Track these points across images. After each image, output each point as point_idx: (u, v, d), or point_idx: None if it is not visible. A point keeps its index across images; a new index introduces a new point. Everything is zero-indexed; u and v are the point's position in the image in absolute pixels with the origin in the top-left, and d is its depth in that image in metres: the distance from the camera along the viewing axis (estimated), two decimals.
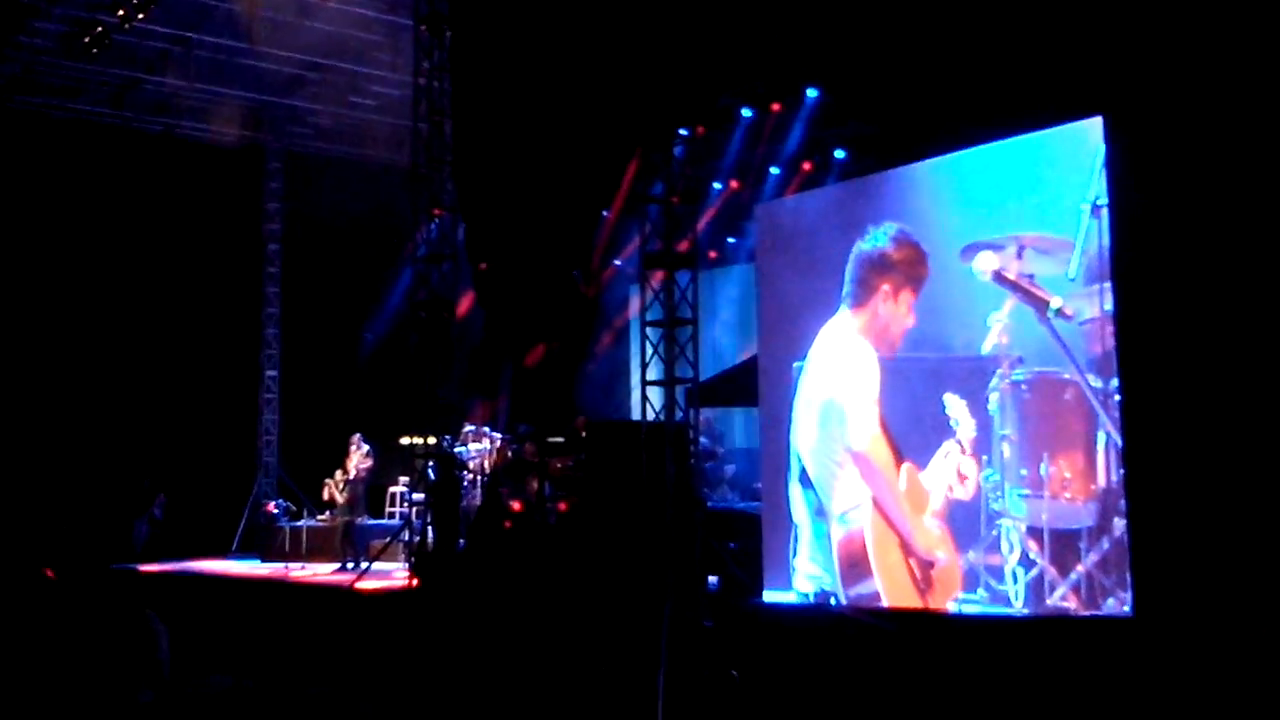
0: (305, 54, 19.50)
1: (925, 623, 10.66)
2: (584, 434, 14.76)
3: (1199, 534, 8.82)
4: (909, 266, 11.46)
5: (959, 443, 10.89)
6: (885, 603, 11.24)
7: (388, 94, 20.21)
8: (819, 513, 12.02)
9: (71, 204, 19.92)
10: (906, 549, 11.23)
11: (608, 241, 19.18)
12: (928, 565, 11.06)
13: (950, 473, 10.93)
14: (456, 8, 15.40)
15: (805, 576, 12.12)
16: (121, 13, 18.23)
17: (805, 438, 12.28)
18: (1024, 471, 10.46)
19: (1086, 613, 9.75)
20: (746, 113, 16.16)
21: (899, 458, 11.40)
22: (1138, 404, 9.41)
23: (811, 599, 11.89)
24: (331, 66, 19.97)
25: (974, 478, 10.77)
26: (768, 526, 12.77)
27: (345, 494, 17.92)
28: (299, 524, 18.53)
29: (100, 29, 18.72)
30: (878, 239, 11.68)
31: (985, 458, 10.73)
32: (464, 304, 18.76)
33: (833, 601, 11.61)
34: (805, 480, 12.19)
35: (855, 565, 11.55)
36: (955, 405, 10.93)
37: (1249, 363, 8.78)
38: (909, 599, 11.12)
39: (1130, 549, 9.39)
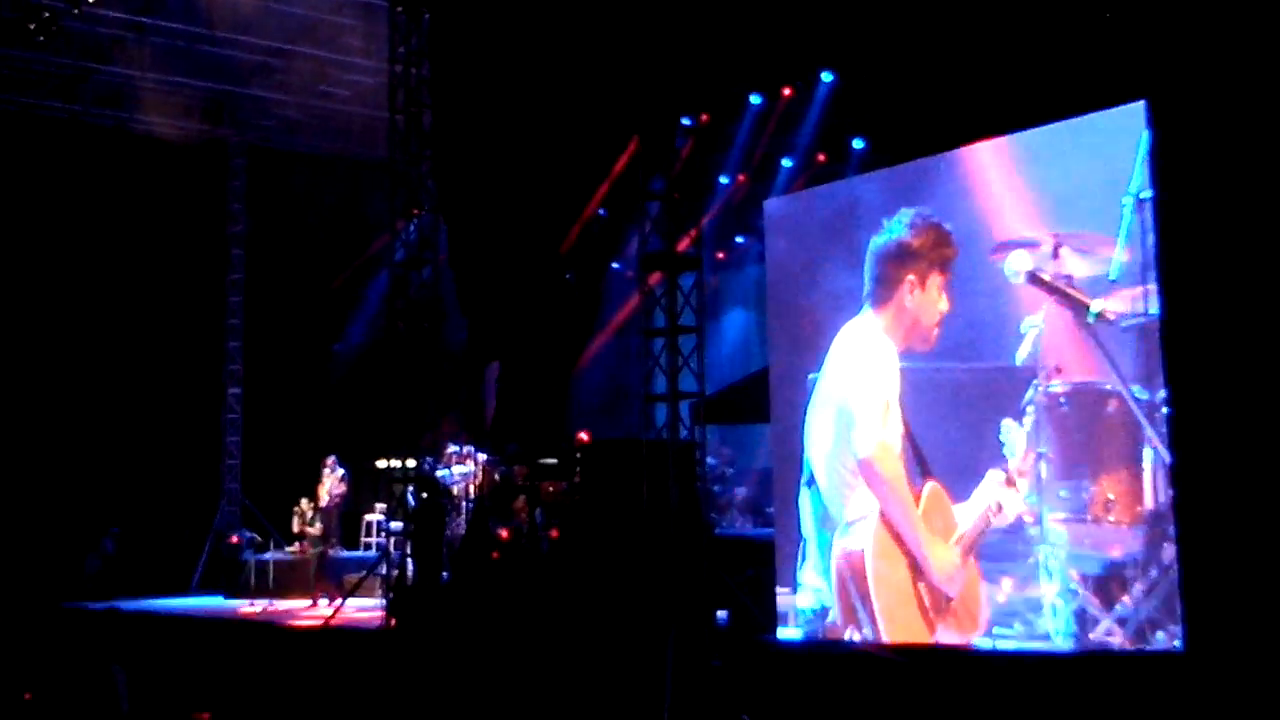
0: (271, 40, 19.52)
1: (953, 661, 10.63)
2: (579, 454, 14.75)
3: (1257, 561, 8.80)
4: (932, 250, 11.38)
5: (1005, 471, 10.85)
6: (882, 627, 11.17)
7: (361, 83, 20.21)
8: (824, 522, 11.94)
9: (16, 204, 19.93)
10: (916, 571, 11.17)
11: (604, 241, 19.21)
12: (944, 595, 11.03)
13: (989, 503, 10.91)
14: None
15: (809, 589, 12.08)
16: None
17: (819, 445, 12.19)
18: (1063, 493, 10.44)
19: (1132, 648, 9.71)
20: (755, 99, 16.17)
21: (925, 474, 11.34)
22: (1188, 417, 9.37)
23: (810, 614, 11.89)
24: (299, 53, 19.98)
25: (1013, 510, 10.76)
26: (780, 553, 12.76)
27: (317, 523, 17.96)
28: (266, 557, 18.49)
29: (48, 15, 18.74)
30: (893, 229, 11.60)
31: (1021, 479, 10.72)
32: None
33: (849, 635, 11.59)
34: (814, 488, 12.11)
35: (853, 579, 11.48)
36: (1012, 431, 10.87)
37: None
38: (912, 626, 11.07)
39: (1181, 578, 9.36)
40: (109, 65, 20.25)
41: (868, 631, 11.32)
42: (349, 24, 19.13)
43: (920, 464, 11.43)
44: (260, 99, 21.74)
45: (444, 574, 14.65)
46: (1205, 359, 9.34)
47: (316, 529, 18.05)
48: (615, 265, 19.66)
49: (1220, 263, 9.28)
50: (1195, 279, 9.43)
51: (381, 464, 16.56)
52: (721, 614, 12.68)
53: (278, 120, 22.38)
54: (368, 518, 18.85)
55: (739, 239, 18.71)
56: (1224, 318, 9.24)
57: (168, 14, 19.09)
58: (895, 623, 11.20)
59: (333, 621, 14.84)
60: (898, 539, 11.28)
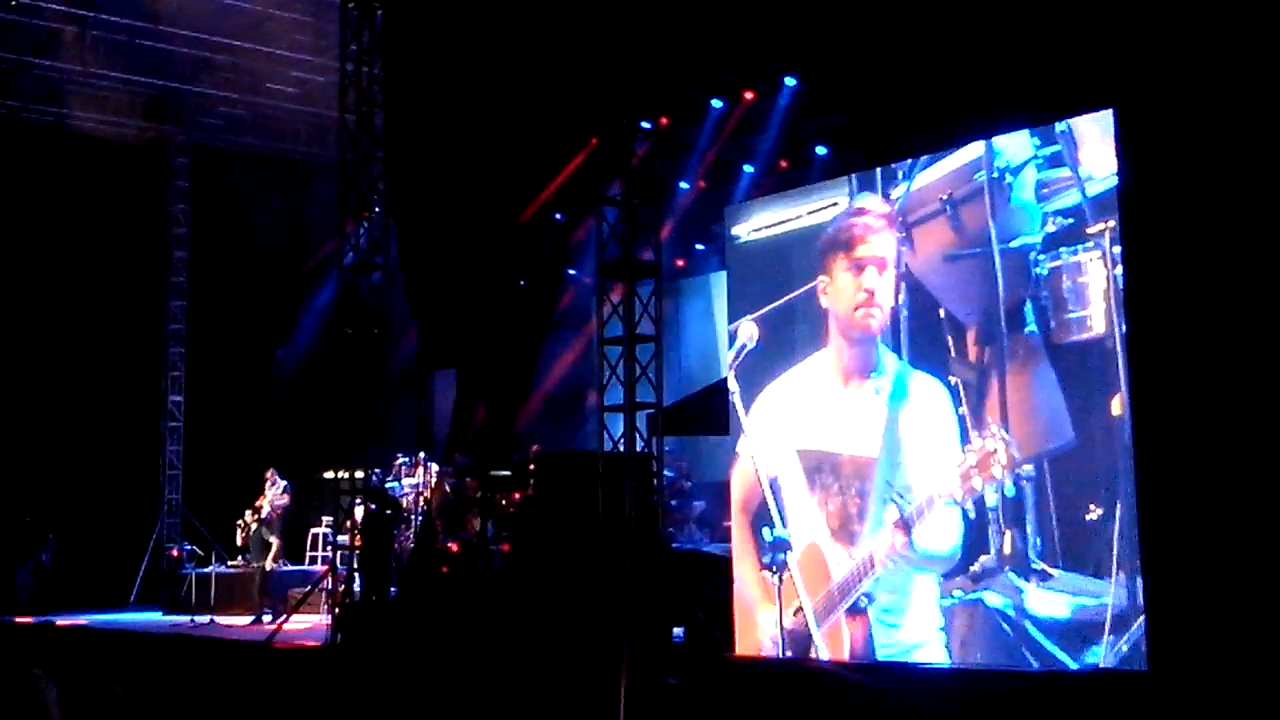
0: (216, 35, 19.51)
1: (917, 677, 10.70)
2: (533, 466, 14.78)
3: (1221, 577, 8.93)
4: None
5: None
6: None
7: (311, 81, 20.24)
8: None
9: None
10: None
11: (560, 247, 19.25)
12: None
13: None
14: None
15: None
16: None
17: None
18: None
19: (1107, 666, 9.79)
20: (716, 103, 16.23)
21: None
22: (1150, 429, 9.50)
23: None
24: (246, 49, 19.98)
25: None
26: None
27: (260, 536, 17.89)
28: (207, 571, 18.45)
29: None
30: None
31: None
32: None
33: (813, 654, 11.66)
34: None
35: None
36: None
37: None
38: None
39: (1146, 593, 9.47)
40: (46, 60, 20.16)
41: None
42: (298, 20, 19.16)
43: None
44: (205, 96, 21.71)
45: (392, 589, 14.64)
46: (1168, 373, 9.47)
47: (259, 542, 17.99)
48: (571, 271, 19.69)
49: (1185, 273, 9.43)
50: (1160, 292, 9.56)
51: (328, 475, 16.52)
52: (678, 631, 12.72)
53: (223, 119, 22.34)
54: (314, 531, 18.82)
55: (699, 245, 18.76)
56: (1188, 329, 9.38)
57: (109, 7, 19.05)
58: None
59: (277, 638, 14.81)
60: None
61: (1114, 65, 10.14)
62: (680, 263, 18.82)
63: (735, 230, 13.02)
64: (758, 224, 12.74)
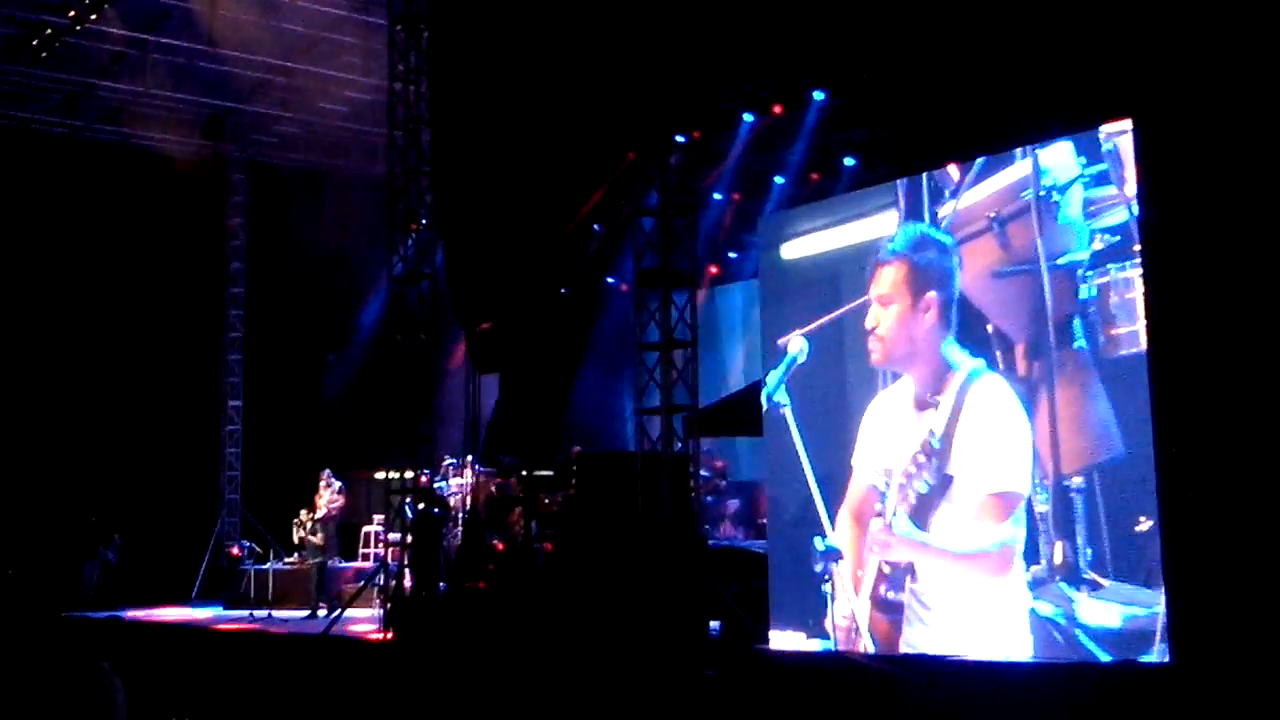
0: (271, 57, 19.57)
1: (945, 670, 10.65)
2: (574, 467, 14.78)
3: (1243, 572, 8.85)
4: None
5: None
6: None
7: (360, 99, 20.26)
8: None
9: (17, 219, 19.94)
10: None
11: (600, 256, 19.22)
12: None
13: None
14: (434, 6, 15.49)
15: None
16: (72, 13, 18.32)
17: None
18: None
19: (1120, 659, 9.74)
20: (748, 117, 16.17)
21: None
22: (1170, 417, 9.42)
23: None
24: (299, 70, 20.04)
25: None
26: (774, 565, 12.79)
27: (315, 534, 17.95)
28: (265, 567, 18.51)
29: (49, 31, 18.78)
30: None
31: None
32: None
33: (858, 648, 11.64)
34: None
35: None
36: None
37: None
38: None
39: (1168, 588, 9.40)
40: (110, 81, 20.28)
41: None
42: (349, 42, 19.20)
43: None
44: (260, 115, 21.80)
45: (441, 584, 14.67)
46: (1199, 410, 9.36)
47: (317, 539, 18.06)
48: (610, 280, 19.67)
49: (1213, 308, 9.33)
50: (1187, 327, 9.46)
51: (380, 476, 16.56)
52: (715, 625, 12.70)
53: (277, 136, 22.44)
54: (366, 529, 18.86)
55: (731, 255, 18.72)
56: (1220, 369, 9.27)
57: (169, 31, 19.13)
58: None
59: (331, 632, 14.85)
60: None
61: (1133, 76, 10.06)
62: (714, 270, 18.78)
63: (782, 247, 12.92)
64: (807, 240, 12.65)
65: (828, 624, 11.90)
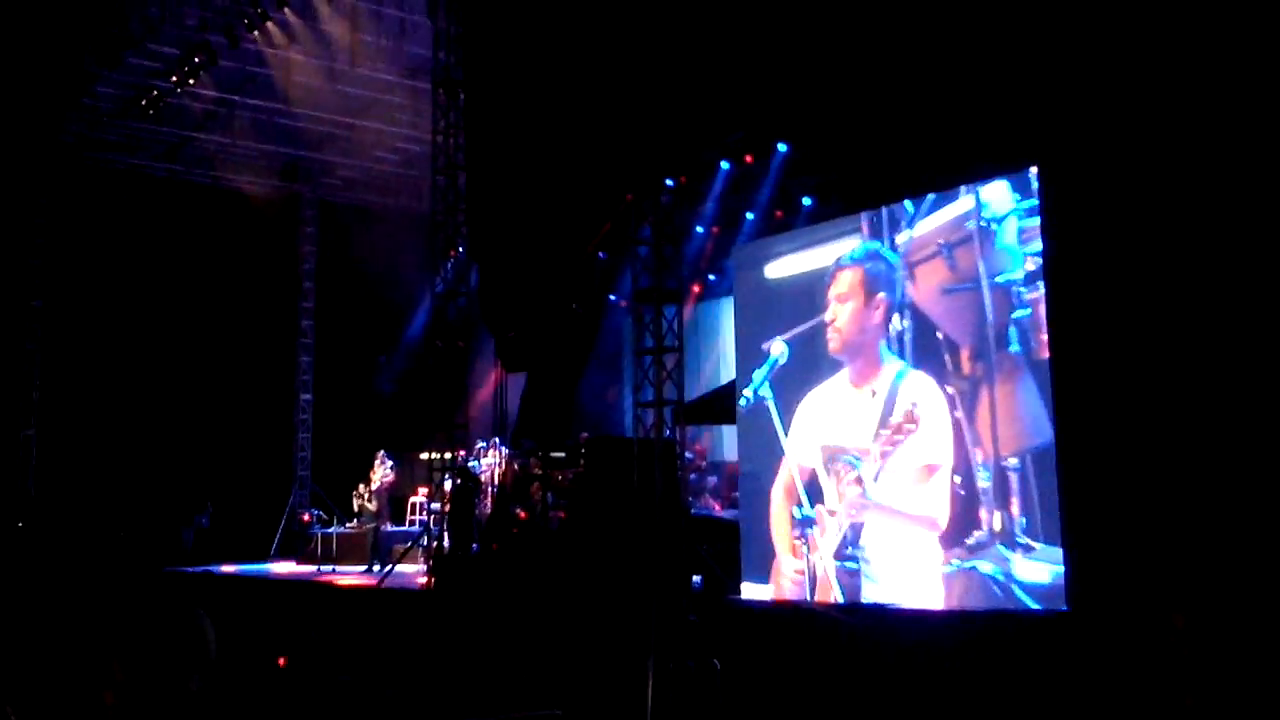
0: (336, 114, 19.61)
1: (887, 617, 10.67)
2: (583, 449, 14.78)
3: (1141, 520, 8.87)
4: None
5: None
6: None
7: (409, 149, 20.33)
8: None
9: (132, 247, 20.02)
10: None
11: (604, 279, 19.25)
12: None
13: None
14: (470, 74, 15.49)
15: None
16: (174, 78, 18.40)
17: None
18: None
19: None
20: (725, 165, 16.22)
21: None
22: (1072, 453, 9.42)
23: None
24: (359, 125, 20.08)
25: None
26: (745, 531, 12.80)
27: (371, 504, 17.96)
28: (330, 531, 18.52)
29: (156, 93, 18.86)
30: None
31: None
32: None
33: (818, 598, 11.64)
34: None
35: None
36: None
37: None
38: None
39: (1066, 543, 9.39)
40: (205, 134, 20.32)
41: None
42: (400, 101, 19.24)
43: None
44: (327, 162, 21.85)
45: (474, 545, 14.67)
46: (1092, 402, 9.36)
47: (372, 508, 18.06)
48: (612, 298, 19.70)
49: (1104, 319, 9.33)
50: (1083, 333, 9.46)
51: (424, 456, 16.57)
52: (696, 579, 12.71)
53: (341, 179, 22.50)
54: (412, 499, 18.87)
55: (711, 276, 18.76)
56: (1109, 369, 9.28)
57: (252, 92, 19.19)
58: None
59: (384, 583, 14.86)
60: None
61: (1037, 128, 10.08)
62: (697, 289, 18.80)
63: (767, 266, 12.85)
64: (787, 260, 12.59)
65: (784, 580, 11.93)
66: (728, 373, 15.87)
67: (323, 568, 17.47)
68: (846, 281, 11.58)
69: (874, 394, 11.12)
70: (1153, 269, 9.07)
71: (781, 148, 15.34)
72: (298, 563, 18.50)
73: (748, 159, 15.88)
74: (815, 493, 11.68)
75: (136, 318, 20.08)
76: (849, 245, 11.71)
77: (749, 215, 16.55)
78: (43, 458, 19.98)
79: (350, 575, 16.45)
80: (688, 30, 12.62)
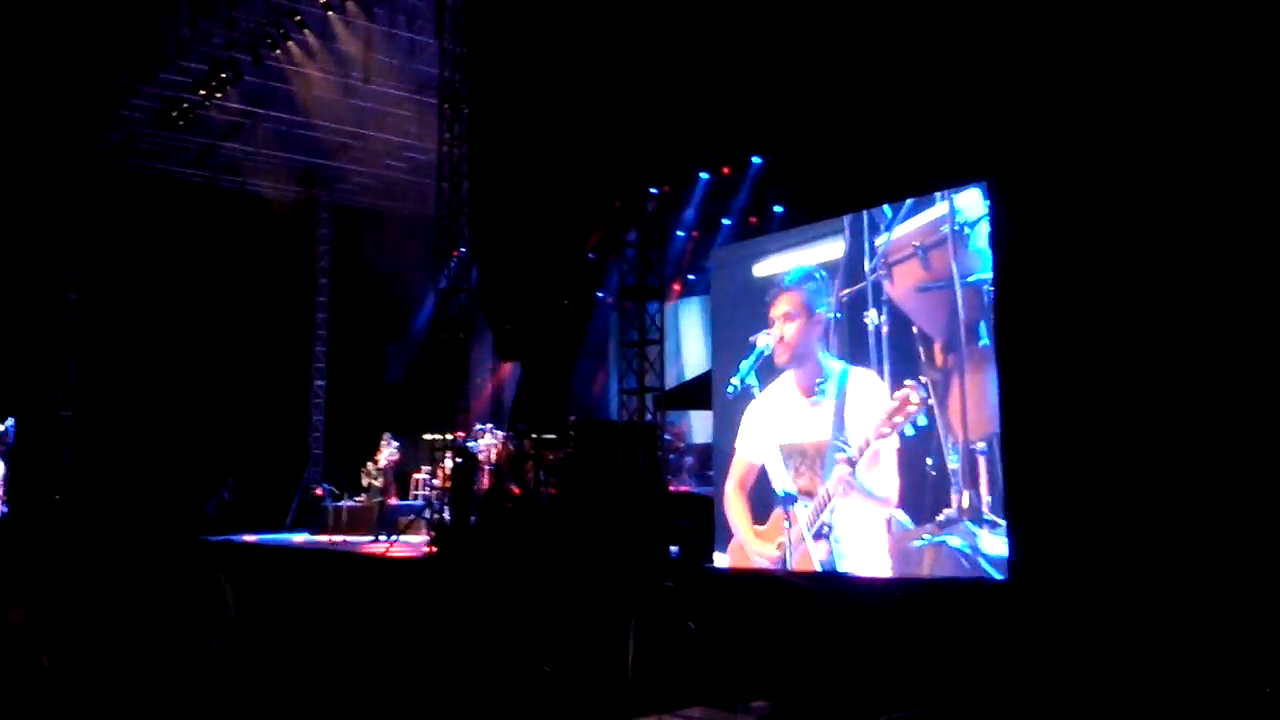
0: (351, 125, 19.50)
1: (847, 584, 10.65)
2: (572, 431, 14.73)
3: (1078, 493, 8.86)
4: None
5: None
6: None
7: (417, 158, 20.20)
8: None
9: (163, 245, 19.93)
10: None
11: (593, 277, 19.22)
12: None
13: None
14: (473, 90, 15.43)
15: None
16: (203, 92, 18.31)
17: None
18: None
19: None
20: (704, 175, 16.19)
21: None
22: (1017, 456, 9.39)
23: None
24: (372, 136, 19.96)
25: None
26: (718, 506, 12.77)
27: (378, 480, 17.88)
28: (341, 504, 18.42)
29: (186, 105, 18.74)
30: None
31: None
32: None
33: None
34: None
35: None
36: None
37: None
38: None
39: (1007, 512, 9.39)
40: (230, 143, 20.19)
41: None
42: (409, 115, 19.12)
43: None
44: (342, 169, 21.72)
45: (472, 518, 14.62)
46: (1034, 393, 9.34)
47: (379, 483, 17.97)
48: (599, 294, 19.65)
49: (1053, 330, 9.31)
50: (1029, 354, 9.44)
51: (427, 436, 16.50)
52: (673, 549, 12.69)
53: (355, 185, 22.36)
54: (416, 476, 18.80)
55: (691, 276, 18.74)
56: (1056, 381, 9.26)
57: (274, 105, 19.06)
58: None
59: (389, 552, 14.79)
60: None
61: (989, 143, 10.06)
62: (677, 287, 18.78)
63: (755, 265, 12.70)
64: (774, 259, 12.46)
65: (751, 555, 11.90)
66: (704, 362, 15.83)
67: (334, 538, 17.39)
68: (789, 302, 11.68)
69: (823, 394, 11.15)
70: (1089, 272, 9.10)
71: (756, 160, 15.32)
72: (311, 533, 18.39)
73: (725, 170, 15.86)
74: (768, 483, 11.70)
75: (166, 310, 19.95)
76: (833, 248, 11.58)
77: (725, 221, 16.53)
78: (78, 437, 19.85)
79: (359, 544, 16.37)
80: (671, 51, 12.59)
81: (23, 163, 18.80)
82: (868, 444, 10.66)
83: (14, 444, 18.38)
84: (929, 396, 10.11)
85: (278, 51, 17.27)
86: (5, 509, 19.41)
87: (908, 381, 10.33)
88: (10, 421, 19.70)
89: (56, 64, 16.83)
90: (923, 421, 10.17)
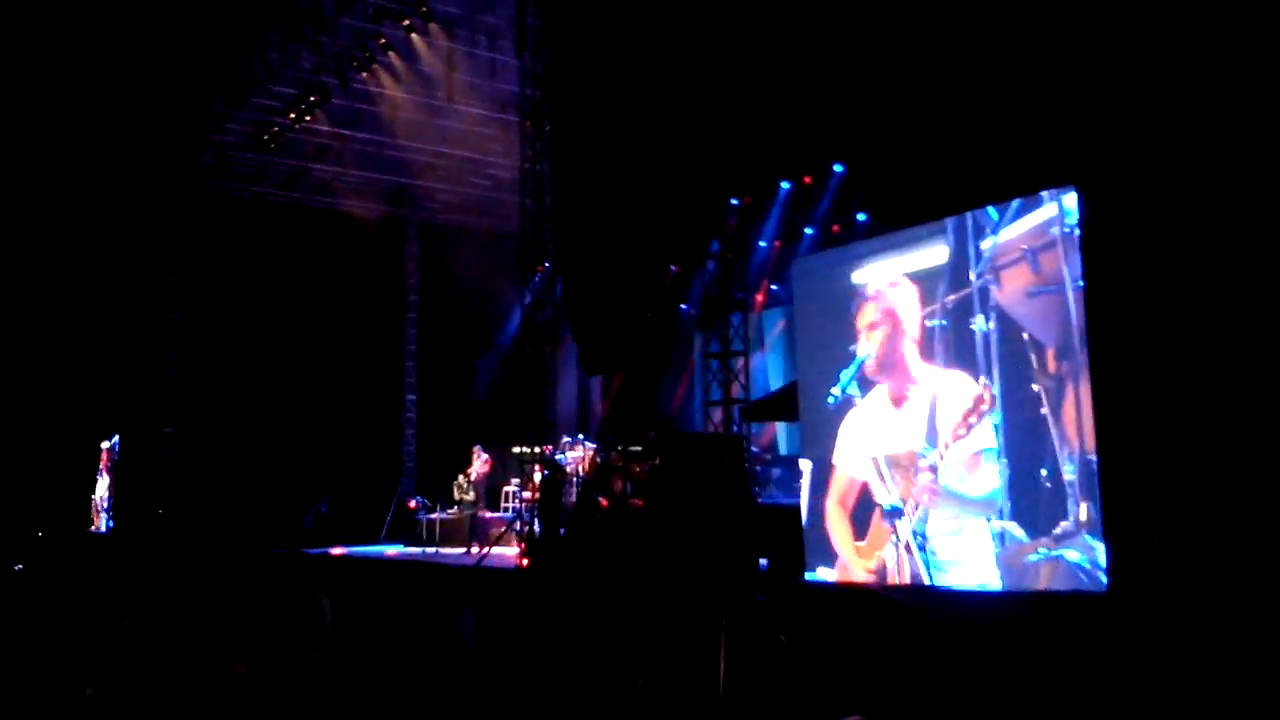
0: (435, 144, 19.76)
1: (939, 599, 10.46)
2: (659, 443, 14.72)
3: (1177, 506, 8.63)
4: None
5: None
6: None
7: (500, 175, 20.40)
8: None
9: (258, 265, 20.35)
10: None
11: (677, 290, 19.20)
12: None
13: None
14: (553, 107, 15.54)
15: None
16: (292, 115, 18.67)
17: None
18: None
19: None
20: (785, 185, 16.09)
21: None
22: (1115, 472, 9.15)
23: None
24: (456, 155, 20.21)
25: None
26: (807, 517, 12.63)
27: (470, 493, 18.05)
28: (434, 516, 18.65)
29: (276, 128, 19.14)
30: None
31: None
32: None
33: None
34: None
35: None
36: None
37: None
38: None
39: (1103, 521, 9.17)
40: (320, 164, 20.58)
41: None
42: (491, 134, 19.32)
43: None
44: (429, 188, 22.01)
45: (561, 530, 14.69)
46: (1133, 433, 9.08)
47: (470, 496, 18.15)
48: (684, 307, 19.63)
49: (1146, 342, 9.06)
50: (1122, 364, 9.18)
51: (517, 449, 16.62)
52: (763, 561, 12.60)
53: (441, 203, 22.65)
54: (506, 488, 18.95)
55: (774, 287, 18.61)
56: (1152, 396, 9.00)
57: (361, 127, 19.40)
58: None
59: (482, 563, 14.92)
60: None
61: (1079, 148, 9.84)
62: (760, 298, 18.68)
63: (853, 273, 12.27)
64: (873, 267, 12.12)
65: (856, 571, 11.72)
66: (790, 373, 15.71)
67: (427, 550, 17.58)
68: (873, 311, 11.37)
69: (914, 401, 10.91)
70: (1179, 285, 8.86)
71: (838, 168, 15.19)
72: (405, 545, 18.64)
73: (806, 179, 15.74)
74: (869, 498, 11.48)
75: (262, 328, 20.41)
76: (936, 253, 11.27)
77: (807, 230, 16.41)
78: (180, 453, 20.37)
79: (451, 556, 16.53)
80: (751, 62, 12.54)
81: (123, 188, 19.41)
82: (947, 447, 10.45)
83: (119, 460, 18.97)
84: (1040, 399, 9.79)
85: (364, 74, 17.59)
86: (111, 523, 20.03)
87: (981, 379, 10.09)
88: (115, 438, 20.33)
89: (153, 92, 17.35)
90: (996, 419, 9.93)
